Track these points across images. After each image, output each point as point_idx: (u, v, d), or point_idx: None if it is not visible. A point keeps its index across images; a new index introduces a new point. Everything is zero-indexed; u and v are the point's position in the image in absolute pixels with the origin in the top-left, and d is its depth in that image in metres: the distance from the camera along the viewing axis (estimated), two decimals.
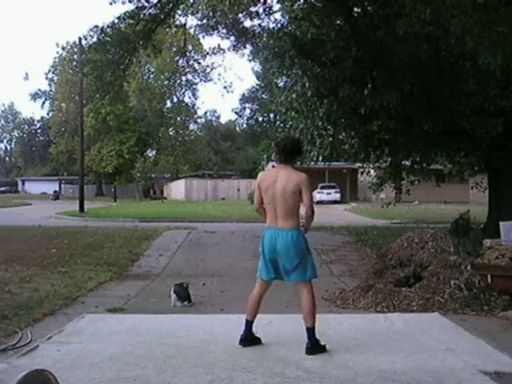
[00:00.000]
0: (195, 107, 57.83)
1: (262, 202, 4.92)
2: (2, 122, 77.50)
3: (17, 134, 76.49)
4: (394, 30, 9.86)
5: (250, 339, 4.83)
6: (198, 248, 12.17)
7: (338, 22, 11.77)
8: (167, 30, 15.85)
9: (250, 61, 17.22)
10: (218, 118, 70.14)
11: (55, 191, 54.55)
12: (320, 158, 14.29)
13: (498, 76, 9.09)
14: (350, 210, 30.19)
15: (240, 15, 13.07)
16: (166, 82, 53.28)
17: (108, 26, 12.02)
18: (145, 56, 16.83)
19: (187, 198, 43.54)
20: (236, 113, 69.69)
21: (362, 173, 19.04)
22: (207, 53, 48.98)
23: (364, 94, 10.79)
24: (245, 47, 14.12)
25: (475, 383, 4.03)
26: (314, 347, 4.65)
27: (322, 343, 4.73)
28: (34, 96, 64.19)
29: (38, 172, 73.18)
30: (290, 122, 15.25)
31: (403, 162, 14.80)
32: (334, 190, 37.48)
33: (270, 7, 12.99)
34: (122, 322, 5.80)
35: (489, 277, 6.50)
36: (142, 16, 11.95)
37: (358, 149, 14.00)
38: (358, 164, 16.86)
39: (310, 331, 4.71)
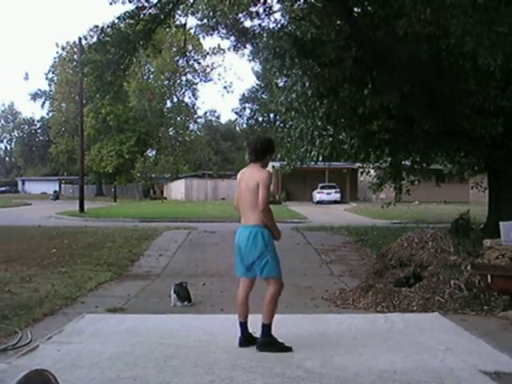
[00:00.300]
0: (195, 107, 57.82)
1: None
2: (2, 122, 77.49)
3: (17, 134, 76.45)
4: (394, 30, 9.86)
5: (248, 340, 4.84)
6: (198, 248, 12.17)
7: (338, 22, 11.77)
8: (167, 30, 15.83)
9: (249, 61, 17.26)
10: (218, 118, 70.08)
11: (55, 191, 54.53)
12: (320, 158, 14.30)
13: (498, 76, 9.10)
14: (350, 209, 30.19)
15: (240, 15, 13.08)
16: (166, 82, 53.25)
17: (108, 26, 12.02)
18: (145, 56, 16.84)
19: (187, 198, 43.53)
20: (236, 113, 69.61)
21: (362, 173, 19.04)
22: (207, 53, 49.00)
23: (364, 94, 10.79)
24: (245, 47, 14.15)
25: (475, 383, 4.03)
26: (265, 344, 4.70)
27: (280, 341, 4.75)
28: (34, 96, 64.17)
29: (38, 172, 73.16)
30: (290, 122, 15.26)
31: (403, 162, 14.81)
32: (334, 190, 37.48)
33: (270, 7, 13.01)
34: (122, 322, 5.80)
35: (489, 277, 6.50)
36: (142, 16, 11.96)
37: (358, 149, 14.00)
38: (358, 164, 16.86)
39: (264, 328, 4.76)
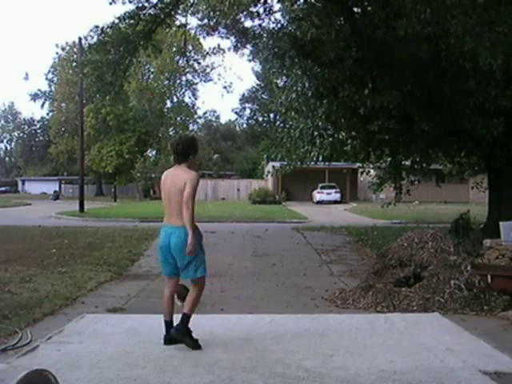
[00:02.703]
0: (195, 107, 57.75)
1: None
2: (2, 122, 77.39)
3: (17, 134, 76.35)
4: (394, 30, 9.87)
5: (171, 338, 4.85)
6: None
7: (338, 22, 11.77)
8: (167, 30, 15.84)
9: (249, 61, 17.26)
10: (218, 118, 70.00)
11: (55, 191, 54.47)
12: (320, 158, 14.31)
13: (498, 76, 9.10)
14: (350, 210, 30.18)
15: (240, 15, 13.07)
16: (166, 82, 53.22)
17: (108, 27, 12.04)
18: (145, 56, 16.83)
19: None
20: (236, 113, 69.64)
21: (362, 173, 19.04)
22: (207, 53, 48.90)
23: (364, 94, 10.80)
24: (245, 47, 14.13)
25: (475, 383, 4.03)
26: (180, 332, 4.75)
27: (194, 337, 4.79)
28: (34, 96, 64.10)
29: (38, 172, 73.09)
30: (290, 122, 15.27)
31: (403, 162, 14.81)
32: (334, 190, 37.48)
33: (270, 7, 13.00)
34: (122, 322, 5.80)
35: (489, 277, 6.50)
36: (142, 16, 11.96)
37: (359, 149, 14.02)
38: (358, 164, 16.87)
39: (184, 316, 4.80)
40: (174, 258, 4.81)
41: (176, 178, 4.82)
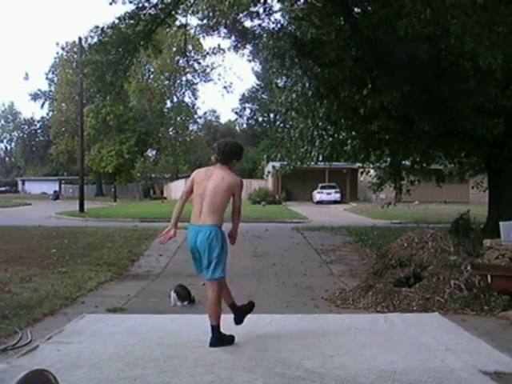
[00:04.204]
0: (195, 107, 57.83)
1: (190, 193, 4.98)
2: (2, 122, 77.39)
3: (17, 134, 76.36)
4: (394, 30, 9.86)
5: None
6: None
7: (338, 22, 11.77)
8: (167, 30, 15.84)
9: (249, 61, 17.25)
10: (218, 118, 70.04)
11: (55, 191, 54.49)
12: (320, 158, 14.30)
13: (498, 75, 9.10)
14: (350, 210, 30.18)
15: (240, 15, 13.07)
16: (166, 82, 53.26)
17: (108, 27, 12.04)
18: (145, 56, 16.83)
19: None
20: (236, 113, 69.64)
21: (362, 173, 19.03)
22: (207, 53, 48.92)
23: (364, 94, 10.79)
24: (245, 47, 14.13)
25: (475, 383, 4.03)
26: (217, 341, 4.79)
27: (227, 334, 4.87)
28: (34, 96, 64.14)
29: (38, 172, 73.12)
30: (290, 122, 15.26)
31: (403, 162, 14.80)
32: (334, 190, 37.47)
33: (270, 7, 12.99)
34: (122, 322, 5.80)
35: (489, 277, 6.50)
36: (142, 16, 11.96)
37: (359, 149, 14.00)
38: (358, 164, 16.86)
39: (214, 329, 4.83)
40: (200, 257, 4.86)
41: (219, 178, 4.83)
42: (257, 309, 4.97)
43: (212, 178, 4.85)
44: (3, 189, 66.16)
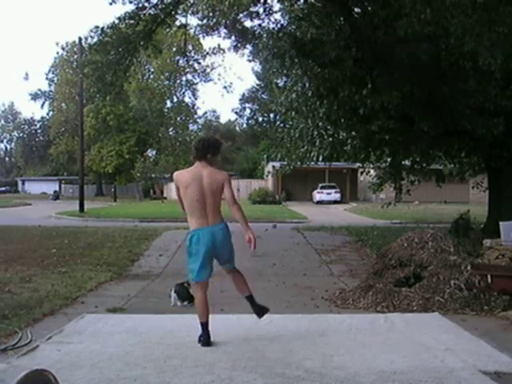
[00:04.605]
0: (195, 107, 57.82)
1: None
2: (2, 122, 77.36)
3: (17, 134, 76.33)
4: (394, 30, 9.86)
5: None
6: None
7: (338, 22, 11.77)
8: (167, 30, 15.84)
9: (249, 61, 17.26)
10: (218, 118, 70.06)
11: (55, 191, 54.48)
12: (320, 158, 14.30)
13: (498, 76, 9.10)
14: (350, 210, 30.18)
15: (240, 15, 13.07)
16: (166, 82, 53.24)
17: (108, 27, 12.04)
18: (145, 56, 16.83)
19: None
20: (236, 113, 69.69)
21: (362, 173, 19.03)
22: (207, 53, 48.87)
23: (364, 94, 10.79)
24: (245, 47, 14.13)
25: (475, 383, 4.03)
26: (263, 310, 5.17)
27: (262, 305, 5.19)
28: (34, 96, 64.13)
29: (38, 172, 73.12)
30: (290, 122, 15.27)
31: (403, 162, 14.81)
32: (334, 190, 37.49)
33: (270, 7, 13.00)
34: (122, 322, 5.80)
35: (489, 277, 6.50)
36: (142, 16, 11.96)
37: (359, 149, 14.01)
38: (358, 164, 16.87)
39: (251, 297, 5.16)
40: (216, 257, 4.98)
41: (210, 179, 4.85)
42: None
43: (204, 181, 4.84)
44: (3, 189, 66.16)
